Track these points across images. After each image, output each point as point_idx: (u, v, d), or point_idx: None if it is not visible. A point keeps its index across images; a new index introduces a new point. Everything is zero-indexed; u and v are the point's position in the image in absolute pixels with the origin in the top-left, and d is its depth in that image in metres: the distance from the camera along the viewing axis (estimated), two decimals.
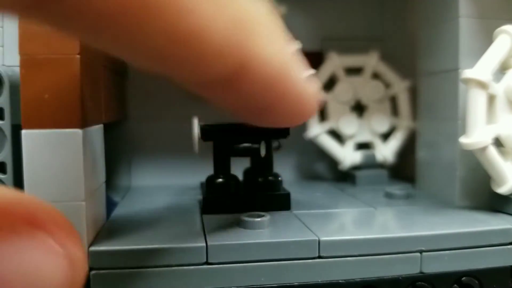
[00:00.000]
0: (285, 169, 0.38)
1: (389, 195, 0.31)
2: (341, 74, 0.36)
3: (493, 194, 0.27)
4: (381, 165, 0.36)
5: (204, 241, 0.22)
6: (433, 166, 0.32)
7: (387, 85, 0.37)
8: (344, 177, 0.36)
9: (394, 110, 0.37)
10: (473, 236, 0.24)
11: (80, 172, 0.21)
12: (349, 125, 0.35)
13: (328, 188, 0.35)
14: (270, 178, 0.28)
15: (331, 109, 0.35)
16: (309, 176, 0.39)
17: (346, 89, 0.35)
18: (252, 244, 0.22)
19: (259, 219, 0.24)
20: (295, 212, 0.27)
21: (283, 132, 0.28)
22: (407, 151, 0.36)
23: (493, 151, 0.26)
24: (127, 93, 0.36)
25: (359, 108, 0.36)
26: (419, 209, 0.28)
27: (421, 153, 0.34)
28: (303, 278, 0.22)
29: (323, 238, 0.22)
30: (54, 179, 0.20)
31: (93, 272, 0.21)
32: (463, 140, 0.26)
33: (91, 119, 0.22)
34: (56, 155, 0.20)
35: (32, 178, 0.20)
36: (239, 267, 0.22)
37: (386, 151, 0.36)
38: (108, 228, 0.24)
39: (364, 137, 0.36)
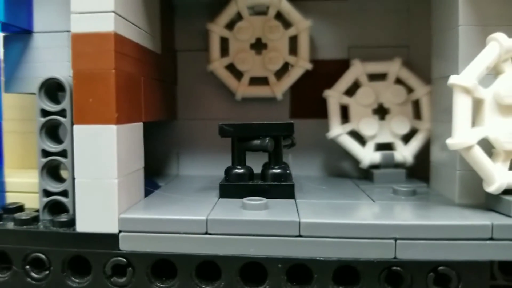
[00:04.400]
0: (314, 166, 0.42)
1: (395, 192, 0.33)
2: (364, 79, 0.39)
3: (487, 193, 0.29)
4: (400, 165, 0.38)
5: (206, 216, 0.27)
6: (442, 166, 0.34)
7: (410, 89, 0.39)
8: (367, 175, 0.39)
9: (418, 113, 0.39)
10: (448, 229, 0.26)
11: (113, 157, 0.27)
12: (369, 126, 0.38)
13: (346, 183, 0.38)
14: (278, 170, 0.32)
15: (353, 111, 0.39)
16: (336, 173, 0.42)
17: (367, 93, 0.38)
18: (243, 220, 0.27)
19: (256, 202, 0.29)
20: (298, 200, 0.31)
21: (288, 130, 0.32)
22: (428, 152, 0.38)
23: (478, 152, 0.27)
24: (176, 97, 0.43)
25: (382, 111, 0.39)
26: (416, 204, 0.31)
27: (434, 154, 0.36)
28: (286, 253, 0.26)
29: (303, 220, 0.26)
30: (95, 161, 0.27)
31: (121, 233, 0.27)
32: (448, 141, 0.28)
33: (126, 118, 0.29)
34: (97, 144, 0.27)
35: (80, 161, 0.27)
36: (232, 238, 0.27)
37: (406, 152, 0.38)
38: (142, 203, 0.31)
39: (385, 138, 0.39)
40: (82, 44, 0.27)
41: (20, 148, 0.36)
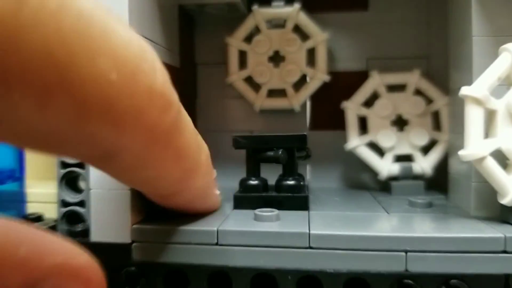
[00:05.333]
0: (333, 178, 0.42)
1: (411, 204, 0.33)
2: (382, 91, 0.39)
3: (502, 205, 0.28)
4: (419, 177, 0.37)
5: (217, 227, 0.28)
6: (459, 178, 0.33)
7: (429, 100, 0.38)
8: (385, 187, 0.39)
9: (437, 125, 0.38)
10: (460, 241, 0.25)
11: None
12: (387, 138, 0.38)
13: (363, 195, 0.38)
14: (292, 182, 0.32)
15: (371, 123, 0.39)
16: (355, 185, 0.42)
17: (385, 104, 0.38)
18: (253, 232, 0.27)
19: (268, 213, 0.29)
20: (312, 212, 0.31)
21: (301, 142, 0.32)
22: (447, 164, 0.37)
23: (491, 163, 0.27)
24: (196, 110, 0.43)
25: (400, 123, 0.39)
26: (430, 216, 0.30)
27: (452, 166, 0.35)
28: (296, 264, 0.26)
29: (313, 232, 0.27)
30: None
31: (134, 244, 0.28)
32: (461, 152, 0.28)
33: None
34: None
35: (95, 172, 0.28)
36: (242, 249, 0.27)
37: (425, 164, 0.37)
38: (156, 214, 0.31)
39: (404, 150, 0.38)
40: None
41: (42, 159, 0.38)
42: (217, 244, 0.27)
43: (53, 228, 0.30)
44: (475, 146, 0.27)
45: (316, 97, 0.41)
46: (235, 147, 0.33)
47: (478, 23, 0.30)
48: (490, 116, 0.28)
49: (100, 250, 0.28)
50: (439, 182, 0.38)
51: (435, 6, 0.40)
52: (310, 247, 0.27)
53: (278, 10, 0.40)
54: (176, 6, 0.37)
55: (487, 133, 0.28)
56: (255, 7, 0.40)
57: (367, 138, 0.39)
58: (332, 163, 0.42)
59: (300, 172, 0.37)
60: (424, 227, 0.28)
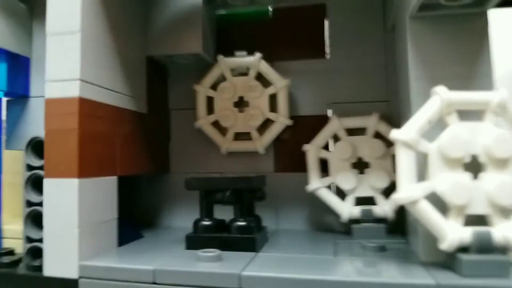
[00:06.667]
0: (299, 220, 0.43)
1: (364, 247, 0.33)
2: (342, 134, 0.39)
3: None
4: (381, 220, 0.37)
5: (155, 266, 0.28)
6: (413, 221, 0.33)
7: (391, 143, 0.39)
8: (348, 229, 0.39)
9: None
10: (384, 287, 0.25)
11: (75, 208, 0.30)
12: (347, 180, 0.38)
13: (324, 238, 0.38)
14: (241, 223, 0.33)
15: (332, 165, 0.39)
16: (321, 227, 0.42)
17: (344, 147, 0.39)
18: (187, 272, 0.28)
19: (209, 254, 0.30)
20: (260, 253, 0.32)
21: (249, 184, 0.33)
22: None
23: (425, 206, 0.27)
24: (169, 152, 0.45)
25: (361, 165, 0.39)
26: (374, 261, 0.30)
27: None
28: None
29: (243, 273, 0.27)
30: (60, 212, 0.30)
31: (81, 279, 0.29)
32: (394, 195, 0.28)
33: (94, 172, 0.31)
34: (61, 196, 0.30)
35: (48, 211, 0.30)
36: None
37: (387, 207, 0.37)
38: (109, 252, 0.33)
39: (365, 192, 0.38)
40: (53, 107, 0.30)
41: (17, 198, 0.40)
42: (154, 283, 0.28)
43: (18, 262, 0.32)
44: (406, 189, 0.27)
45: (280, 141, 0.43)
46: (187, 189, 0.34)
47: (415, 67, 0.31)
48: (424, 159, 0.28)
49: (51, 285, 0.30)
50: (402, 225, 0.38)
51: (392, 51, 0.41)
52: None
53: (241, 59, 0.42)
54: (143, 57, 0.40)
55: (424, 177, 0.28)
56: (220, 57, 0.42)
57: (328, 180, 0.39)
58: (298, 205, 0.42)
59: (257, 214, 0.37)
60: (355, 272, 0.28)
